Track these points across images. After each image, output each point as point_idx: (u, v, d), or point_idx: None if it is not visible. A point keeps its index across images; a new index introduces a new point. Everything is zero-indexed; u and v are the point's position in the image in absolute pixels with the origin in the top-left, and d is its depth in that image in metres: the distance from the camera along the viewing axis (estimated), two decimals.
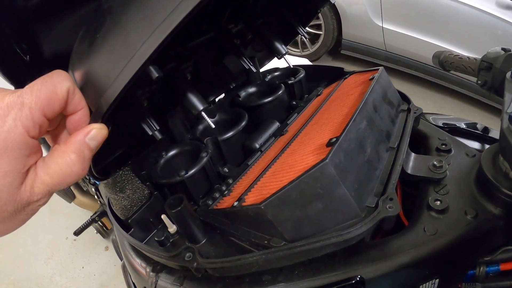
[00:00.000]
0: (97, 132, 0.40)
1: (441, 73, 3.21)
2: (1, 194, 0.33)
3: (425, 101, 3.39)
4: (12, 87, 0.60)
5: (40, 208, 0.38)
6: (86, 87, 0.44)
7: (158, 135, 0.66)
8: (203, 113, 0.67)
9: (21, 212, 0.36)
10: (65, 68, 0.52)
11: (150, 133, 0.66)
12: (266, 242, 0.53)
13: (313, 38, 4.08)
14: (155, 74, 0.47)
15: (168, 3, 0.39)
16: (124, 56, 0.41)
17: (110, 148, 0.43)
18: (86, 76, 0.45)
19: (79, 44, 0.51)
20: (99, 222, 2.06)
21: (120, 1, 0.45)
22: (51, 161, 0.38)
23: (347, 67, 1.06)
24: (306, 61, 2.03)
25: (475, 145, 0.82)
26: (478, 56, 0.72)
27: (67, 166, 0.38)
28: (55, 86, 0.37)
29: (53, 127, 0.43)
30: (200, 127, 0.88)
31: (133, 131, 0.70)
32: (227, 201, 0.66)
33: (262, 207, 0.50)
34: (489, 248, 0.58)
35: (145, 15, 0.41)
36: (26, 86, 0.35)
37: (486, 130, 0.91)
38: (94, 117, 0.43)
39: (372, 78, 0.77)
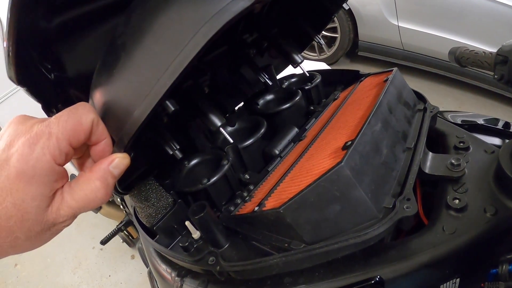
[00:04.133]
0: (120, 161, 0.43)
1: (460, 69, 3.14)
2: (29, 215, 0.36)
3: (446, 98, 3.33)
4: (38, 105, 0.64)
5: (64, 228, 0.41)
6: (107, 118, 0.47)
7: (178, 154, 0.68)
8: (222, 129, 0.69)
9: (47, 231, 0.39)
10: (87, 87, 0.56)
11: (171, 152, 0.68)
12: (286, 245, 0.54)
13: (330, 41, 4.05)
14: (171, 108, 0.49)
15: (180, 39, 0.41)
16: (140, 92, 0.44)
17: (132, 168, 0.46)
18: (107, 107, 0.48)
19: (97, 77, 0.53)
20: (125, 231, 2.11)
21: (133, 38, 0.48)
22: (77, 186, 0.40)
23: (365, 68, 1.07)
24: (323, 65, 2.03)
25: (495, 141, 0.81)
26: (494, 51, 0.71)
27: (92, 192, 0.40)
28: (80, 117, 0.39)
29: (79, 155, 0.46)
30: (221, 135, 0.90)
31: (154, 150, 0.73)
32: (249, 207, 0.67)
33: (281, 211, 0.52)
34: (511, 246, 0.58)
35: (158, 52, 0.44)
36: (53, 117, 0.38)
37: (507, 125, 0.90)
38: (117, 147, 0.46)
39: (387, 80, 0.77)
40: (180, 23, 0.43)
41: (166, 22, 0.45)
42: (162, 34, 0.45)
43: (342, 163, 0.50)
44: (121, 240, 2.31)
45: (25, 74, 0.57)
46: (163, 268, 0.71)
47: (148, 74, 0.44)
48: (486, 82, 3.04)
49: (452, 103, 3.25)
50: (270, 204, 0.58)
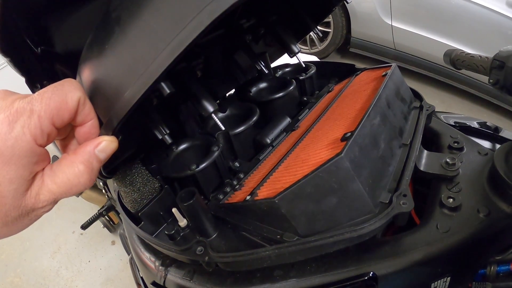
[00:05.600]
0: (107, 144, 0.41)
1: (450, 72, 3.19)
2: (6, 200, 0.33)
3: (433, 100, 3.37)
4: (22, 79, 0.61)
5: (44, 214, 0.38)
6: (95, 97, 0.44)
7: (168, 139, 0.66)
8: (214, 116, 0.67)
9: (25, 217, 0.36)
10: (75, 64, 0.53)
11: (160, 137, 0.66)
12: (278, 237, 0.53)
13: (322, 35, 4.05)
14: (166, 90, 0.47)
15: (182, 16, 0.38)
16: (134, 71, 0.41)
17: (119, 152, 0.44)
18: (95, 86, 0.45)
19: (87, 51, 0.50)
20: (106, 216, 2.08)
21: (129, 12, 0.44)
22: (59, 170, 0.38)
23: (356, 65, 1.06)
24: (315, 59, 2.02)
25: (486, 144, 0.81)
26: (489, 55, 0.71)
27: (74, 176, 0.38)
28: (66, 95, 0.36)
29: (63, 136, 0.43)
30: (212, 121, 0.88)
31: (142, 133, 0.70)
32: (239, 196, 0.66)
33: (276, 201, 0.50)
34: (501, 247, 0.58)
35: (156, 29, 0.41)
36: (36, 93, 0.35)
37: (496, 129, 0.91)
38: (104, 129, 0.43)
39: (385, 75, 0.76)
40: None
41: None
42: (162, 10, 0.41)
43: (342, 154, 0.48)
44: (102, 225, 2.29)
45: (9, 44, 0.54)
46: (147, 256, 0.69)
47: (143, 52, 0.41)
48: (474, 87, 3.10)
49: (439, 106, 3.29)
50: (262, 193, 0.57)
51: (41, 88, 0.61)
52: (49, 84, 0.37)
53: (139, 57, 0.42)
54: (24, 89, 0.61)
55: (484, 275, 0.59)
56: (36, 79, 0.62)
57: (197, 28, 0.37)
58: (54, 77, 0.63)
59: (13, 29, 0.54)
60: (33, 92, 0.62)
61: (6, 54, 0.54)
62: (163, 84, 0.46)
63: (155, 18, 0.41)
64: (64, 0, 0.59)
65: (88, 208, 2.57)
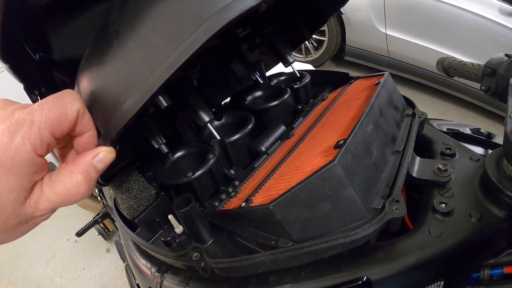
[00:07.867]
0: (105, 155, 0.42)
1: (443, 80, 3.22)
2: (6, 208, 0.34)
3: (428, 107, 3.39)
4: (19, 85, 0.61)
5: (42, 222, 0.39)
6: (94, 108, 0.45)
7: (164, 149, 0.67)
8: (209, 125, 0.68)
9: (24, 225, 0.37)
10: (74, 72, 0.53)
11: (157, 146, 0.67)
12: (273, 242, 0.53)
13: (317, 44, 4.08)
14: (163, 104, 0.47)
15: (180, 32, 0.39)
16: (132, 84, 0.42)
17: (116, 161, 0.45)
18: (94, 97, 0.46)
19: (86, 63, 0.51)
20: (101, 224, 2.07)
21: (128, 26, 0.45)
22: (58, 179, 0.38)
23: (350, 73, 1.07)
24: (309, 67, 2.04)
25: (478, 150, 0.83)
26: (482, 63, 0.72)
27: (73, 186, 0.38)
28: (65, 106, 0.37)
29: (61, 145, 0.44)
30: (207, 129, 0.89)
31: (138, 141, 0.71)
32: (234, 203, 0.66)
33: (271, 208, 0.51)
34: (493, 251, 0.58)
35: (154, 43, 0.42)
36: (37, 104, 0.36)
37: (489, 136, 0.92)
38: (102, 139, 0.44)
39: (378, 83, 0.77)
40: (181, 15, 0.41)
41: (166, 12, 0.43)
42: (161, 25, 0.42)
43: (335, 162, 0.49)
44: (97, 233, 2.28)
45: (8, 50, 0.54)
46: (143, 263, 0.69)
47: (142, 66, 0.42)
48: (468, 94, 3.13)
49: (433, 113, 3.32)
50: (258, 200, 0.57)
51: (39, 95, 0.62)
52: (47, 91, 0.38)
53: (138, 70, 0.42)
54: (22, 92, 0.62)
55: (477, 279, 0.60)
56: (35, 86, 0.62)
57: (194, 44, 0.38)
58: (52, 84, 0.64)
59: (12, 35, 0.55)
60: (31, 98, 0.62)
61: (5, 60, 0.55)
62: (160, 98, 0.47)
63: (154, 33, 0.42)
64: (62, 9, 0.59)
65: (83, 215, 2.55)
